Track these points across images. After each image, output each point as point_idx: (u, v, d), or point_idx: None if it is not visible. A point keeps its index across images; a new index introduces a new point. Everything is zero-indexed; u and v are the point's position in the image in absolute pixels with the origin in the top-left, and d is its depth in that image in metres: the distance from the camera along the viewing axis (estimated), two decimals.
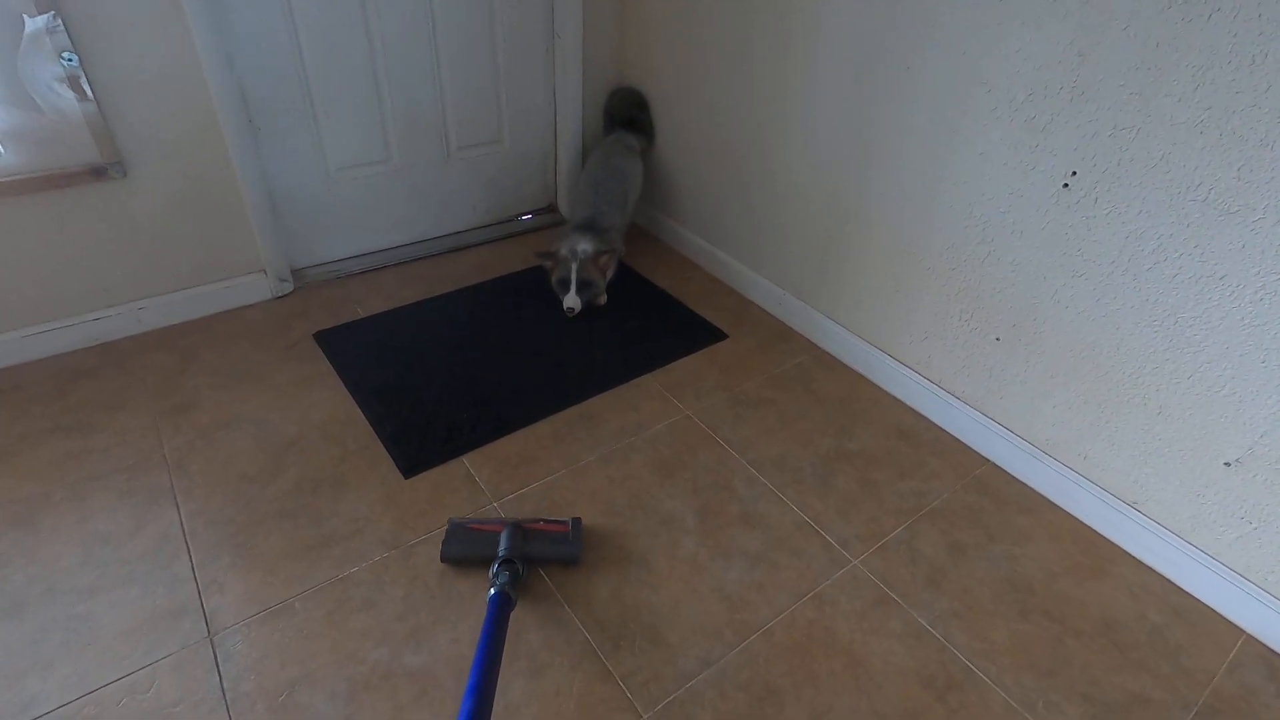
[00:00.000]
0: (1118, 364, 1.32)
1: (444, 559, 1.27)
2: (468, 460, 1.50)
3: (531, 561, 1.26)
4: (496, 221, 2.37)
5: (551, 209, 2.48)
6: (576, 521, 1.32)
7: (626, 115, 2.28)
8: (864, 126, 1.60)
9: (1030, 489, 1.53)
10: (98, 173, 1.57)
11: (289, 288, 1.99)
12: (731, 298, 2.11)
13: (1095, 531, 1.44)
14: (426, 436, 1.54)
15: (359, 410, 1.61)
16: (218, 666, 1.10)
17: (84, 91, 1.49)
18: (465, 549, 1.27)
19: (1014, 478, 1.55)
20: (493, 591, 1.14)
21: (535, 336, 1.89)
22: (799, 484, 1.49)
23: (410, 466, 1.47)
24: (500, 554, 1.21)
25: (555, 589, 1.25)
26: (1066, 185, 1.29)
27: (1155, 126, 1.14)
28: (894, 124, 1.53)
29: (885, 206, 1.63)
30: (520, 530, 1.27)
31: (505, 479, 1.46)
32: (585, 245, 1.96)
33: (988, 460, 1.59)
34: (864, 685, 1.14)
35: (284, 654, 1.12)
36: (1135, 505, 1.38)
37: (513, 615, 1.20)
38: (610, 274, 2.05)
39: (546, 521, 1.31)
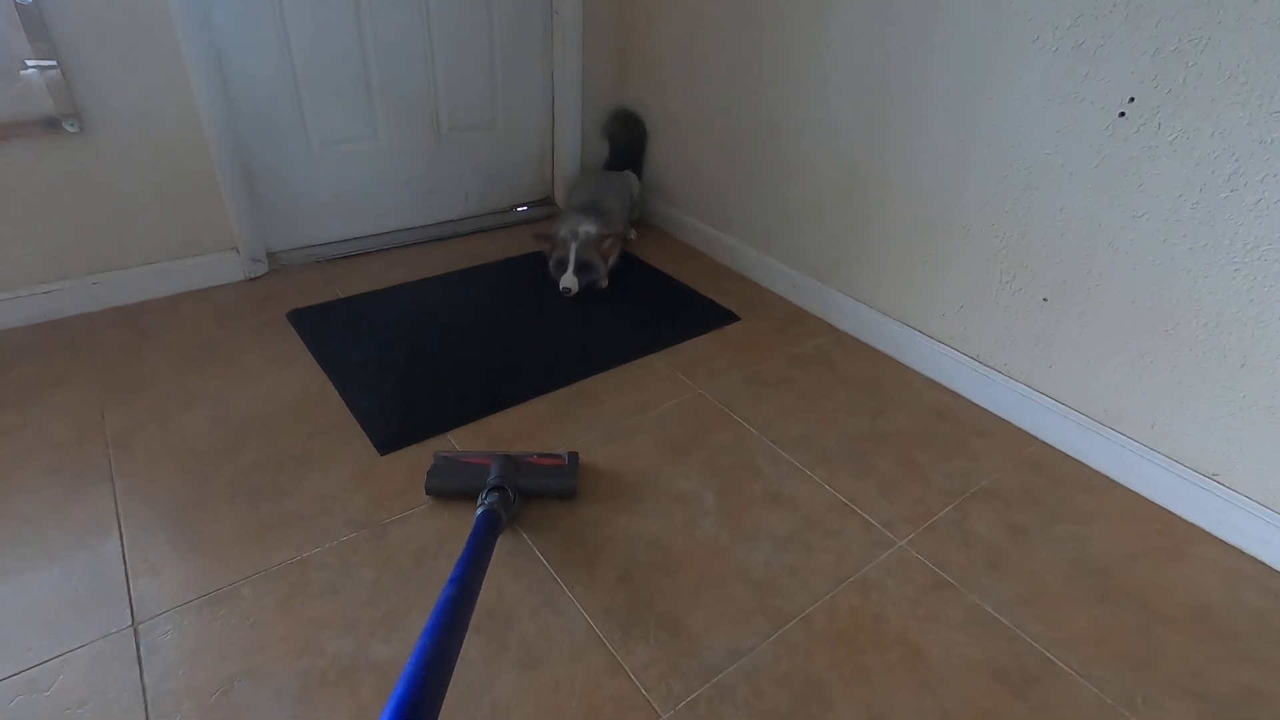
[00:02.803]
0: (1189, 313, 1.17)
1: (428, 491, 1.17)
2: (453, 437, 1.32)
3: (525, 494, 1.16)
4: (489, 212, 2.24)
5: (548, 201, 2.35)
6: (573, 455, 1.23)
7: (622, 151, 2.21)
8: (884, 82, 1.48)
9: (1088, 467, 1.35)
10: (51, 125, 1.43)
11: (263, 269, 1.84)
12: (741, 283, 1.97)
13: (1168, 511, 1.26)
14: (408, 414, 1.37)
15: (333, 388, 1.43)
16: (140, 659, 0.90)
17: (38, 32, 1.36)
18: (452, 480, 1.17)
19: (1069, 456, 1.38)
20: (480, 511, 1.04)
21: (531, 317, 1.73)
22: (828, 463, 1.32)
23: (387, 443, 1.29)
24: (490, 482, 1.11)
25: (553, 572, 1.06)
26: (1123, 114, 1.16)
27: (1228, 34, 1.02)
28: (920, 73, 1.42)
29: (912, 167, 1.50)
30: (512, 462, 1.18)
31: None
32: (588, 227, 1.83)
33: (1036, 439, 1.42)
34: (926, 680, 0.94)
35: (224, 645, 0.93)
36: (1215, 477, 1.21)
37: (500, 602, 1.01)
38: (613, 260, 1.91)
39: (540, 455, 1.22)
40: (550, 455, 1.23)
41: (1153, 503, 1.28)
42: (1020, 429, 1.45)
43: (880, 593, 1.06)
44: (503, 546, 1.10)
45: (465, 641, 0.94)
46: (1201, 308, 1.15)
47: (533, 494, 1.17)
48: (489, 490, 1.09)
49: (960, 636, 1.01)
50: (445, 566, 1.05)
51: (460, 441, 1.31)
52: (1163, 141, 1.13)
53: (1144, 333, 1.23)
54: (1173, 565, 1.15)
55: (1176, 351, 1.20)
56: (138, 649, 0.91)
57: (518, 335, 1.65)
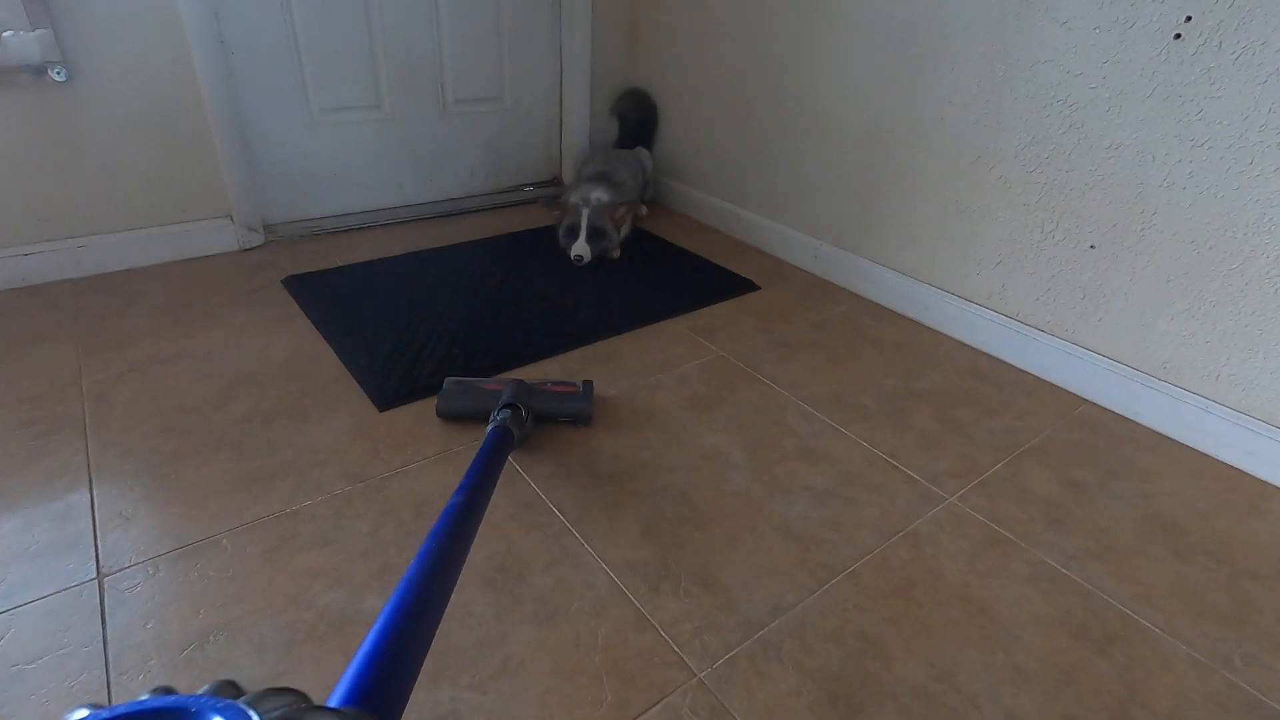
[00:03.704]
0: (1259, 246, 1.08)
1: (439, 413, 1.14)
2: None
3: (539, 417, 1.12)
4: (496, 191, 2.17)
5: (556, 182, 2.28)
6: (588, 384, 1.19)
7: (633, 130, 2.14)
8: (907, 29, 1.41)
9: (1145, 427, 1.25)
10: (36, 72, 1.36)
11: (259, 240, 1.75)
12: (759, 256, 1.89)
13: (1237, 468, 1.16)
14: (410, 372, 1.27)
15: (329, 349, 1.34)
16: (103, 612, 0.79)
17: None
18: (464, 402, 1.14)
19: (1122, 416, 1.28)
20: (491, 427, 1.00)
21: (542, 284, 1.64)
22: (865, 421, 1.22)
23: (387, 399, 1.19)
24: (503, 401, 1.07)
25: (570, 526, 0.95)
26: (1179, 36, 1.08)
27: None
28: (949, 17, 1.34)
29: (939, 118, 1.42)
30: (525, 386, 1.13)
31: None
32: (599, 194, 1.75)
33: (1085, 400, 1.32)
34: (994, 636, 0.83)
35: (200, 598, 0.82)
36: None
37: (511, 556, 0.91)
38: (625, 230, 1.83)
39: (555, 383, 1.18)
40: (565, 383, 1.19)
41: (1219, 461, 1.17)
42: (1066, 390, 1.35)
43: (934, 547, 0.96)
44: (513, 500, 0.99)
45: (474, 594, 0.84)
46: (1274, 237, 1.06)
47: (546, 417, 1.14)
48: (501, 407, 1.05)
49: (1028, 591, 0.90)
50: None
51: None
52: (1225, 61, 1.05)
53: (1206, 273, 1.14)
54: (1252, 521, 1.04)
55: (1244, 291, 1.11)
56: (102, 602, 0.81)
57: (528, 300, 1.56)
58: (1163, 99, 1.12)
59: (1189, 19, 1.07)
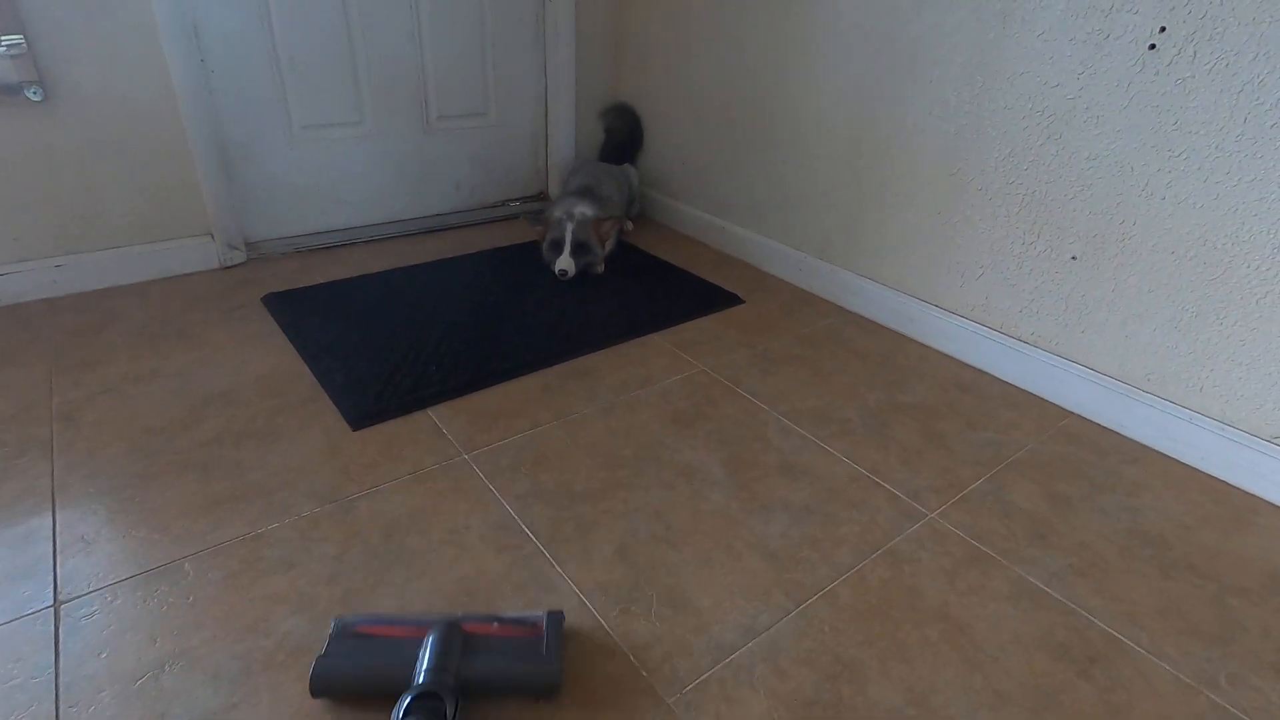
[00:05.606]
0: (1239, 256, 1.07)
1: (315, 689, 0.71)
2: (434, 412, 1.21)
3: (476, 690, 0.71)
4: (481, 206, 2.16)
5: (542, 196, 2.27)
6: (555, 617, 0.77)
7: (620, 146, 2.14)
8: (891, 43, 1.41)
9: (1130, 439, 1.24)
10: (11, 91, 1.35)
11: (241, 257, 1.74)
12: (744, 269, 1.88)
13: (1223, 481, 1.14)
14: (385, 389, 1.25)
15: (305, 367, 1.32)
16: (57, 642, 0.77)
17: None
18: (354, 671, 0.72)
19: (1107, 429, 1.26)
20: None
21: (524, 298, 1.63)
22: (847, 435, 1.20)
23: (360, 418, 1.17)
24: (417, 682, 0.68)
25: (542, 547, 0.93)
26: (1153, 46, 1.08)
27: None
28: (927, 30, 1.34)
29: (921, 131, 1.42)
30: (457, 633, 0.73)
31: (480, 430, 1.16)
32: (584, 209, 1.74)
33: (1070, 412, 1.31)
34: (973, 657, 0.81)
35: (157, 626, 0.80)
36: (1277, 441, 1.09)
37: (481, 580, 0.89)
38: (610, 245, 1.83)
39: (503, 622, 0.76)
40: (518, 621, 0.77)
41: (1205, 473, 1.16)
42: (1051, 403, 1.33)
43: (913, 565, 0.94)
44: (485, 521, 0.97)
45: None
46: (1253, 247, 1.05)
47: (488, 690, 0.72)
48: (414, 699, 0.66)
49: (1008, 610, 0.88)
50: (418, 543, 0.93)
51: (441, 417, 1.20)
52: (1199, 71, 1.04)
53: (1186, 284, 1.13)
54: (1238, 535, 1.03)
55: (1226, 300, 1.10)
56: (56, 630, 0.78)
57: (508, 315, 1.54)
58: (1139, 109, 1.11)
59: (1163, 30, 1.06)
